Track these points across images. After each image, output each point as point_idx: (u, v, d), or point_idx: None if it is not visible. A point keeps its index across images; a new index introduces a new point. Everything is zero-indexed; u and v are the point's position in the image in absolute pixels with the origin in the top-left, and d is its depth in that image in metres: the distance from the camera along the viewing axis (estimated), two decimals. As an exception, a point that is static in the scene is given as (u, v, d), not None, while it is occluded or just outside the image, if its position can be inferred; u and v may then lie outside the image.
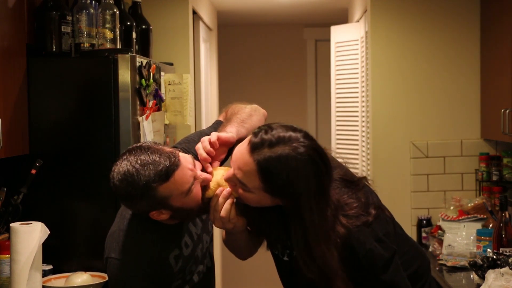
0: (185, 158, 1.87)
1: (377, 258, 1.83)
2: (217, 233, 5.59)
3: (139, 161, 1.82)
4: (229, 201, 1.89)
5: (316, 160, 1.77)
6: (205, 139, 1.96)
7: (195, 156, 1.98)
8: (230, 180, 1.87)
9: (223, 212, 1.89)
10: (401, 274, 1.90)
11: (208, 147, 1.92)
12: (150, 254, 1.93)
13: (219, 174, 1.92)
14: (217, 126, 2.16)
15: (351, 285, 1.82)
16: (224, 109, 2.21)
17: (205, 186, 1.91)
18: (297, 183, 1.75)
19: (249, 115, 2.10)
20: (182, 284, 2.01)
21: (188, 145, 2.10)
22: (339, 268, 1.79)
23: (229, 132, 1.99)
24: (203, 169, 1.95)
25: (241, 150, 1.81)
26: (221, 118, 2.20)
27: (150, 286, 1.91)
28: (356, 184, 1.93)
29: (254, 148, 1.77)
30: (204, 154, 1.92)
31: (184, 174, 1.85)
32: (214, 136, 1.94)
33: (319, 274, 1.80)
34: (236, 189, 1.86)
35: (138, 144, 1.90)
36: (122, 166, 1.84)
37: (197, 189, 1.89)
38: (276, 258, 2.04)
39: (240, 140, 1.94)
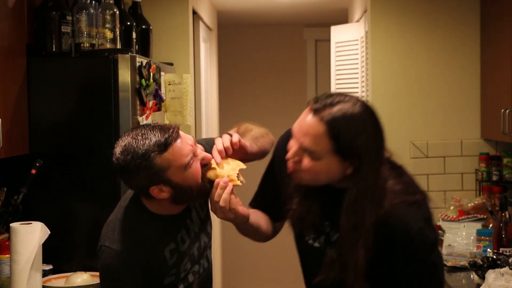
0: (185, 135, 1.92)
1: (426, 237, 1.84)
2: (217, 234, 5.60)
3: (140, 134, 1.87)
4: (227, 191, 1.92)
5: (375, 115, 1.83)
6: (226, 136, 2.00)
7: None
8: (295, 154, 1.84)
9: (222, 202, 1.91)
10: (442, 259, 1.94)
11: (228, 143, 1.96)
12: (145, 245, 1.93)
13: (228, 166, 1.96)
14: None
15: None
16: (236, 126, 2.21)
17: (206, 165, 1.95)
18: (362, 137, 1.78)
19: (261, 135, 2.16)
20: (175, 281, 2.00)
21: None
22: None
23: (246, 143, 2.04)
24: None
25: (303, 119, 1.83)
26: (231, 132, 2.18)
27: (141, 278, 1.91)
28: (400, 167, 1.94)
29: (317, 110, 1.80)
30: (221, 146, 1.96)
31: (183, 147, 1.88)
32: (236, 137, 1.99)
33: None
34: (299, 165, 1.84)
35: (140, 125, 1.97)
36: (123, 140, 1.89)
37: (196, 166, 1.91)
38: (304, 247, 2.02)
39: (251, 155, 2.00)
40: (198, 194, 1.95)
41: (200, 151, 1.95)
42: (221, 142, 1.99)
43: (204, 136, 4.63)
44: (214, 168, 1.95)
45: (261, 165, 2.21)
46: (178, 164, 1.87)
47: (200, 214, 2.09)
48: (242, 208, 1.97)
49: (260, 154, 2.17)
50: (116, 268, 1.91)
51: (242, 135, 2.11)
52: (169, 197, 1.91)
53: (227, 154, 1.98)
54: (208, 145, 2.06)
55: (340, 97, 1.82)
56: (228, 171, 1.94)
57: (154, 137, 1.86)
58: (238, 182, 1.94)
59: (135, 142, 1.86)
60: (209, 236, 2.14)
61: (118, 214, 1.98)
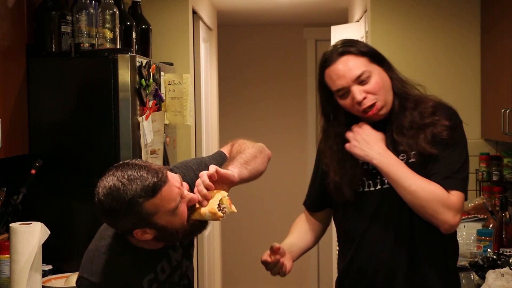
0: (172, 176, 1.83)
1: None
2: (217, 234, 5.59)
3: (126, 176, 1.78)
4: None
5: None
6: (203, 173, 1.89)
7: (190, 184, 1.94)
8: (360, 93, 2.11)
9: None
10: None
11: (207, 181, 1.88)
12: (124, 277, 1.90)
13: (214, 202, 1.87)
14: (219, 158, 2.11)
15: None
16: (230, 142, 2.18)
17: (192, 206, 1.87)
18: (371, 47, 2.23)
19: (253, 157, 2.07)
20: None
21: (185, 171, 2.03)
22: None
23: (231, 171, 1.95)
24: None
25: (335, 72, 2.14)
26: (224, 151, 2.15)
27: None
28: None
29: (334, 58, 2.15)
30: (204, 191, 1.87)
31: (171, 191, 1.81)
32: (212, 168, 1.91)
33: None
34: (361, 92, 2.12)
35: (125, 161, 1.85)
36: (108, 180, 1.79)
37: (183, 208, 1.84)
38: (360, 199, 2.20)
39: (242, 180, 1.96)
40: (184, 235, 1.91)
41: (186, 192, 1.86)
42: (201, 184, 1.88)
43: (204, 136, 4.63)
44: (198, 208, 1.88)
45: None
46: (165, 209, 1.81)
47: (183, 241, 2.02)
48: (286, 268, 2.18)
49: (253, 178, 2.06)
50: None
51: (232, 159, 2.03)
52: (152, 238, 1.86)
53: (209, 189, 1.89)
54: (199, 169, 1.99)
55: (332, 47, 2.20)
56: (210, 206, 1.86)
57: (141, 181, 1.77)
58: (220, 214, 1.85)
59: (122, 185, 1.76)
60: (190, 258, 2.09)
61: (99, 245, 1.93)
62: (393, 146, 2.16)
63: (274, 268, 2.18)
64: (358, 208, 2.21)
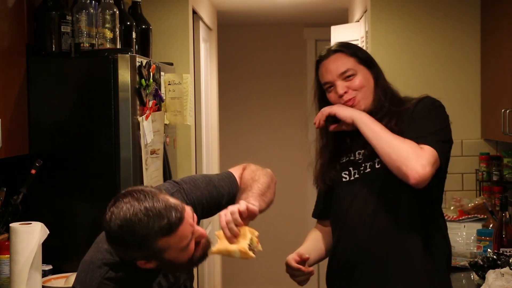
0: (188, 213, 1.80)
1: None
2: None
3: (143, 210, 1.73)
4: None
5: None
6: (235, 210, 1.86)
7: (194, 200, 1.95)
8: (343, 88, 2.25)
9: None
10: None
11: (239, 219, 1.85)
12: None
13: (245, 241, 1.84)
14: (228, 181, 2.08)
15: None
16: (241, 165, 2.16)
17: (199, 241, 1.84)
18: (365, 52, 2.38)
19: (267, 187, 2.06)
20: None
21: (193, 189, 2.00)
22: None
23: (255, 206, 1.93)
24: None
25: (327, 66, 2.29)
26: (235, 174, 2.11)
27: None
28: None
29: (327, 54, 2.32)
30: (235, 229, 1.85)
31: (185, 229, 1.78)
32: (243, 205, 1.89)
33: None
34: (343, 87, 2.26)
35: (140, 188, 1.80)
36: (124, 210, 1.73)
37: (192, 245, 1.82)
38: (342, 188, 2.32)
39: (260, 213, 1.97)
40: (186, 267, 1.89)
41: (197, 227, 1.83)
42: (229, 215, 1.86)
43: (204, 136, 4.63)
44: (222, 241, 1.84)
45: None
46: (177, 246, 1.78)
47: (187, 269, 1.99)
48: (306, 278, 2.28)
49: (267, 208, 2.03)
50: None
51: (249, 189, 2.00)
52: (155, 267, 1.83)
53: (238, 225, 1.87)
54: (207, 189, 1.99)
55: (328, 46, 2.37)
56: (241, 245, 1.83)
57: (159, 219, 1.73)
58: (252, 254, 1.83)
59: (138, 220, 1.72)
60: (190, 272, 2.05)
61: (94, 257, 1.89)
62: (369, 151, 2.25)
63: (300, 276, 2.28)
64: (340, 196, 2.32)
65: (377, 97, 2.30)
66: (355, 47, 2.37)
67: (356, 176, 2.29)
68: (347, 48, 2.33)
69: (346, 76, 2.27)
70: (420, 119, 2.24)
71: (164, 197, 1.78)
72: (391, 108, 2.28)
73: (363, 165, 2.28)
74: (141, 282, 1.89)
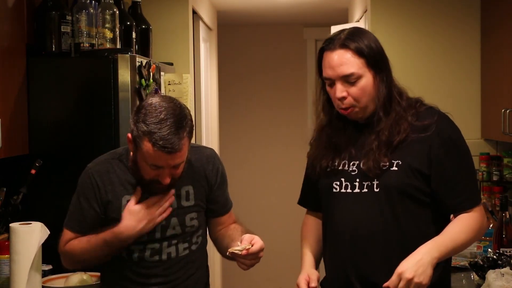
0: (181, 157, 2.07)
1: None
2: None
3: (163, 120, 2.02)
4: None
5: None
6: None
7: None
8: (341, 91, 2.10)
9: None
10: None
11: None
12: (109, 178, 2.17)
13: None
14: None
15: None
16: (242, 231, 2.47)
17: (160, 183, 2.11)
18: (375, 42, 2.16)
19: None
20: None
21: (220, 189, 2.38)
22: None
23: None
24: None
25: (331, 59, 2.11)
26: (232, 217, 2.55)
27: (87, 203, 2.20)
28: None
29: (335, 46, 2.12)
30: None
31: (168, 160, 2.03)
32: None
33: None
34: (343, 91, 2.11)
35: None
36: (159, 102, 2.05)
37: (156, 173, 2.06)
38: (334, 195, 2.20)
39: None
40: (137, 177, 2.14)
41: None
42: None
43: (204, 136, 4.62)
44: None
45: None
46: (143, 158, 2.05)
47: (180, 195, 2.21)
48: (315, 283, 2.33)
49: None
50: (81, 180, 2.23)
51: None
52: (131, 157, 2.11)
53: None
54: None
55: (339, 32, 2.16)
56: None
57: (161, 132, 1.99)
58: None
59: (155, 119, 2.00)
60: (183, 219, 2.26)
61: (113, 151, 2.27)
62: (379, 149, 2.13)
63: None
64: (333, 212, 2.22)
65: (379, 106, 2.15)
66: (368, 42, 2.14)
67: (349, 190, 2.15)
68: (356, 43, 2.11)
69: (349, 79, 2.11)
70: (455, 174, 2.25)
71: (185, 122, 2.07)
72: (393, 119, 2.15)
73: (357, 180, 2.15)
74: (131, 187, 2.16)
